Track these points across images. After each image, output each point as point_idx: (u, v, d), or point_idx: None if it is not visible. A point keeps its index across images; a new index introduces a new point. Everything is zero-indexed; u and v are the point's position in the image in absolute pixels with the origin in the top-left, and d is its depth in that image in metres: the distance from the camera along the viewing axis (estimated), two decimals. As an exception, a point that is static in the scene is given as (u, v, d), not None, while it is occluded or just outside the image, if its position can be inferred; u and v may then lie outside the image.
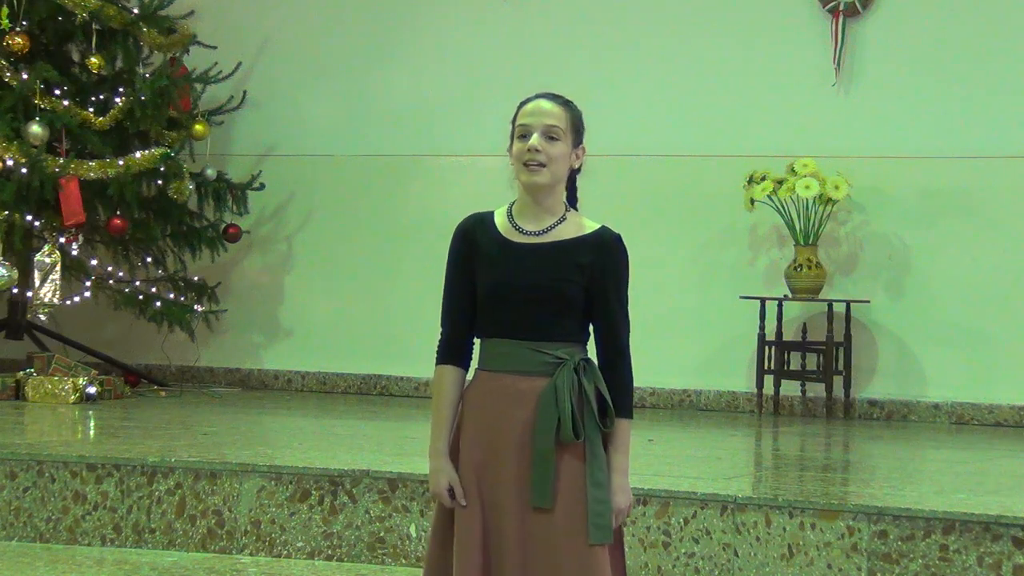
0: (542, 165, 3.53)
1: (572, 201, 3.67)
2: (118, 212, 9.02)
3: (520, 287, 3.52)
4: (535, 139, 3.52)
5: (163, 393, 9.31)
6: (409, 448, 6.82)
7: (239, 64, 9.76)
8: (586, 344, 3.59)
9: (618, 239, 3.58)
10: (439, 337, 3.64)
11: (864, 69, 9.05)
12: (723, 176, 9.01)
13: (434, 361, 3.64)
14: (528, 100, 3.59)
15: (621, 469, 3.54)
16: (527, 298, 3.52)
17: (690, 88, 9.30)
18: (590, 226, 3.59)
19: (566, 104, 3.59)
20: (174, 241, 9.53)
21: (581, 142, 3.61)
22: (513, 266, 3.54)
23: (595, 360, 3.60)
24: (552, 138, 3.53)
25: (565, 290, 3.51)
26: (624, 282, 3.58)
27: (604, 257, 3.54)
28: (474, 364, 3.66)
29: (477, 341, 3.63)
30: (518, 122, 3.57)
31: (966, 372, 8.80)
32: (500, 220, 3.61)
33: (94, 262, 9.28)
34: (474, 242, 3.59)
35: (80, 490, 6.07)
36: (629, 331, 3.59)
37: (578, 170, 3.63)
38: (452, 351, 3.62)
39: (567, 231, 3.57)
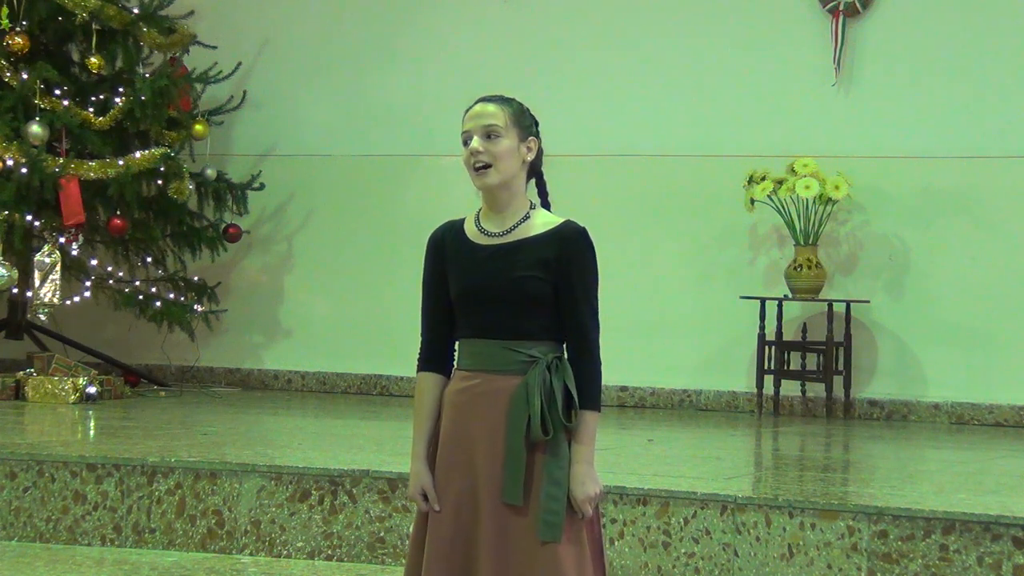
0: (488, 166, 3.55)
1: (543, 196, 3.68)
2: (118, 212, 9.02)
3: (486, 288, 3.55)
4: (475, 142, 3.55)
5: (163, 393, 9.31)
6: (409, 448, 6.79)
7: (239, 64, 9.77)
8: (562, 340, 3.57)
9: (582, 232, 3.56)
10: (419, 345, 3.68)
11: (864, 69, 9.04)
12: (723, 176, 9.00)
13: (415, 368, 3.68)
14: (469, 107, 3.61)
15: (583, 459, 3.51)
16: (494, 298, 3.54)
17: (690, 88, 9.30)
18: (554, 221, 3.58)
19: (504, 101, 3.59)
20: (174, 241, 9.53)
21: (531, 134, 3.60)
22: (479, 268, 3.56)
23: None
24: (493, 136, 3.55)
25: (529, 288, 3.52)
26: (589, 274, 3.55)
27: (567, 251, 3.53)
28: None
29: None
30: (461, 130, 3.60)
31: (966, 372, 8.80)
32: (469, 225, 3.64)
33: (94, 262, 9.27)
34: (443, 249, 3.63)
35: (80, 490, 6.06)
36: (597, 324, 3.56)
37: (538, 163, 3.63)
38: (430, 358, 3.66)
39: (530, 228, 3.57)
